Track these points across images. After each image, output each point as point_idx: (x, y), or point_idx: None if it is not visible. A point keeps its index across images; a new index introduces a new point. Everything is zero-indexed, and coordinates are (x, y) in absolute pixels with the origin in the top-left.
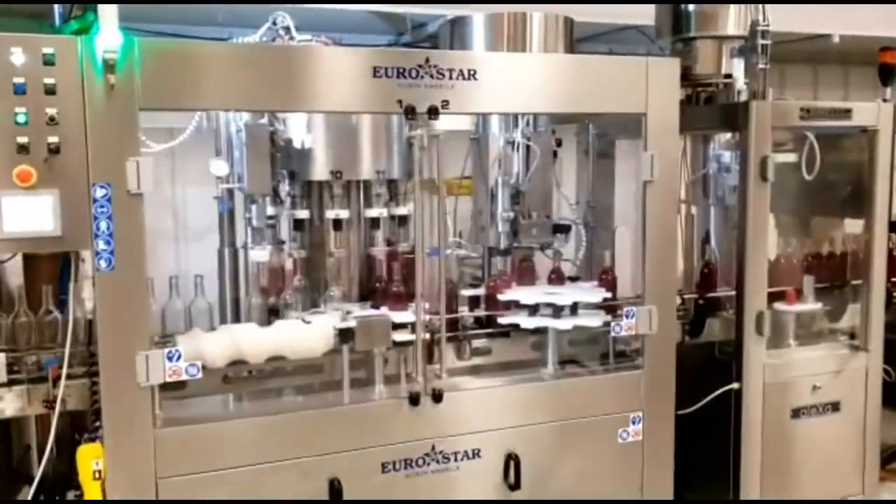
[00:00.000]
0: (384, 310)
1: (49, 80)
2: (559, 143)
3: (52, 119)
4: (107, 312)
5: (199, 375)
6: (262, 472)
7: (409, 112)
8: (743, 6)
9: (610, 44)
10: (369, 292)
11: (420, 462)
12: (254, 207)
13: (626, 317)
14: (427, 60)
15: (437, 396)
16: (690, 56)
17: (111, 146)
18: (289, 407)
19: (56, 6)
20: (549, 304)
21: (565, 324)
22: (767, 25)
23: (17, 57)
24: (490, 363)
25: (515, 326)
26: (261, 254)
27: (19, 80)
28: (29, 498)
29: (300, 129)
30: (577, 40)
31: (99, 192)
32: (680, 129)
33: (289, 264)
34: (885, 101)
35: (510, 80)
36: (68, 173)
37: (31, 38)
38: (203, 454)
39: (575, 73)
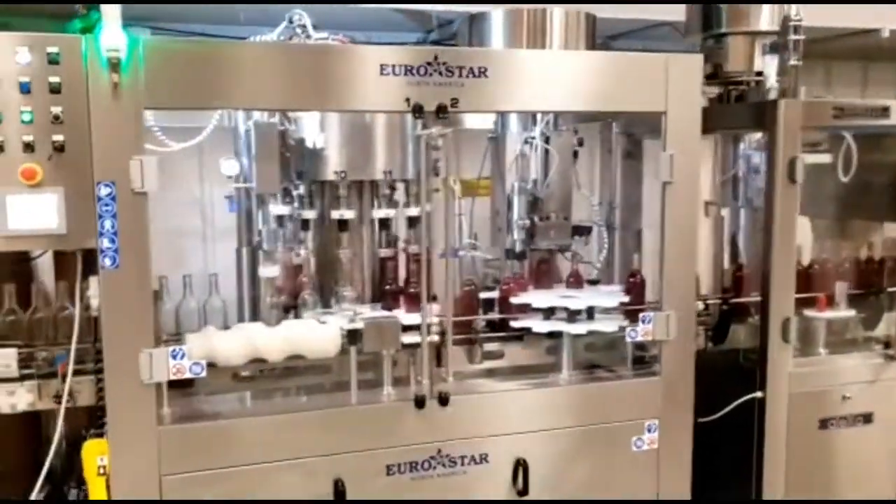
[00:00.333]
0: (400, 312)
1: (54, 79)
2: (580, 143)
3: (56, 118)
4: (111, 310)
5: (203, 374)
6: (266, 471)
7: (417, 111)
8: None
9: (644, 41)
10: (382, 294)
11: (426, 465)
12: (268, 207)
13: (643, 322)
14: (436, 58)
15: (444, 400)
16: (721, 53)
17: (115, 145)
18: (294, 406)
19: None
20: (563, 308)
21: (579, 328)
22: (799, 20)
23: (23, 56)
24: (503, 367)
25: (528, 330)
26: (270, 269)
27: (24, 79)
28: (36, 490)
29: (312, 129)
30: (610, 37)
31: (103, 191)
32: (709, 128)
33: (301, 265)
34: None
35: (522, 77)
36: (73, 171)
37: (36, 38)
38: (207, 452)
39: (590, 71)
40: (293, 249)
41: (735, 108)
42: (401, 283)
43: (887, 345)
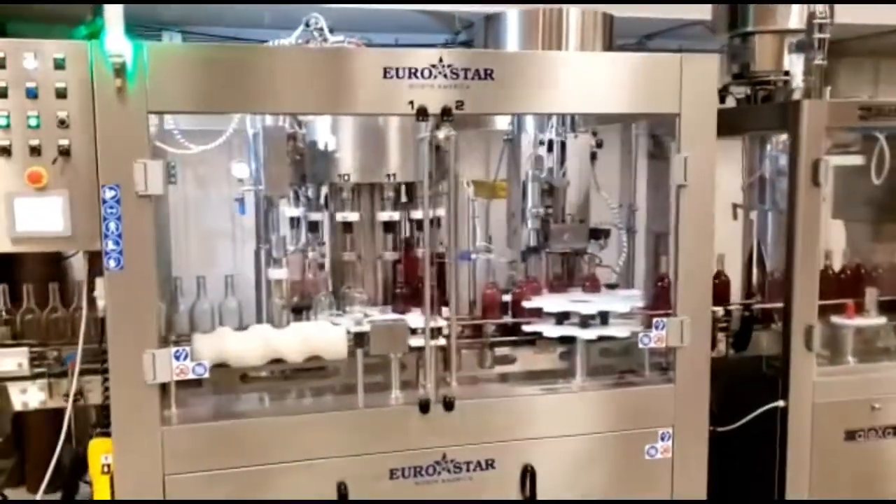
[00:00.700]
0: (412, 315)
1: (60, 84)
2: (599, 145)
3: (62, 122)
4: (116, 311)
5: (206, 374)
6: (269, 473)
7: (421, 113)
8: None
9: (680, 40)
10: (393, 297)
11: (430, 470)
12: (277, 210)
13: (656, 328)
14: (440, 60)
15: (449, 404)
16: (748, 52)
17: (120, 148)
18: (297, 409)
19: None
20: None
21: (590, 333)
22: (825, 18)
23: (30, 62)
24: (515, 372)
25: (539, 335)
26: (279, 271)
27: (31, 84)
28: (43, 486)
29: (323, 132)
30: (646, 36)
31: (108, 194)
32: (737, 129)
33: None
34: None
35: (529, 79)
36: (78, 175)
37: (42, 44)
38: (211, 452)
39: (601, 72)
40: (304, 252)
41: (760, 109)
42: (409, 286)
43: None
